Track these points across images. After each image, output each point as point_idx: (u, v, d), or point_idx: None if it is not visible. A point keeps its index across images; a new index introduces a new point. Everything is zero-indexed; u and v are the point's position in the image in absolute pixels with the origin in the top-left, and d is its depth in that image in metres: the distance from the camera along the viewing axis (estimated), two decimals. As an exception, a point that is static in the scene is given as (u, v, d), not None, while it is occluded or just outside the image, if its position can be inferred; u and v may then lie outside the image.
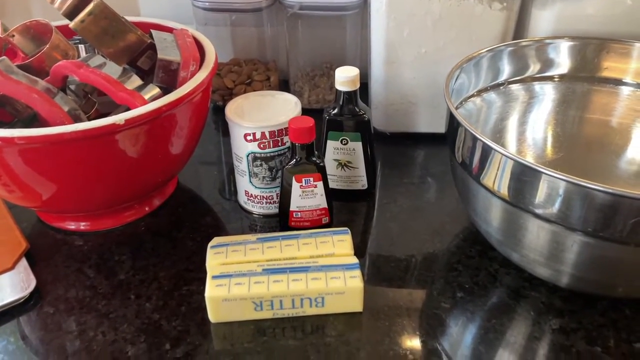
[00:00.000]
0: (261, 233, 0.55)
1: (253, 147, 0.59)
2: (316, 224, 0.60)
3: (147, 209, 0.66)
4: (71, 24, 0.55)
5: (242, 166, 0.61)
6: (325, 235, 0.55)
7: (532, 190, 0.45)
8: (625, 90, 0.63)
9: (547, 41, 0.64)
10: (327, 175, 0.58)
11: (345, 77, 0.60)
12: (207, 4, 0.79)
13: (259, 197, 0.63)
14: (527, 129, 0.65)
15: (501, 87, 0.64)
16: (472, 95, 0.62)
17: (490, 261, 0.57)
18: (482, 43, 0.68)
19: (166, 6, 0.87)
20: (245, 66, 0.86)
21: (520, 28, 0.70)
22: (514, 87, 0.64)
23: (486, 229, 0.53)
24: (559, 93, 0.64)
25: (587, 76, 0.64)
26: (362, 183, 0.66)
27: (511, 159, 0.45)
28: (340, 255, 0.53)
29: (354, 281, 0.50)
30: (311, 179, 0.57)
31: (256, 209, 0.64)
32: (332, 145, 0.64)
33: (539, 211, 0.45)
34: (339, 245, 0.54)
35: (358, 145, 0.63)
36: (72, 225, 0.63)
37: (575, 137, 0.64)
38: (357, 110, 0.62)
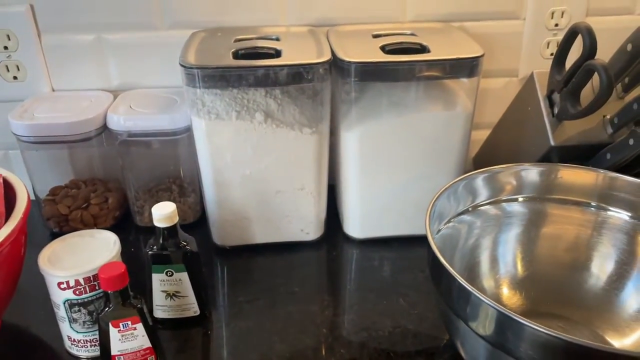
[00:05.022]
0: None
1: (69, 294, 0.58)
2: (142, 365, 0.59)
3: (-38, 365, 0.61)
4: None
5: (60, 312, 0.60)
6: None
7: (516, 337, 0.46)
8: (581, 209, 0.66)
9: (496, 170, 0.66)
10: (146, 315, 0.58)
11: (161, 214, 0.61)
12: (31, 137, 0.77)
13: (82, 341, 0.61)
14: (499, 248, 0.68)
15: (475, 209, 0.66)
16: (449, 221, 0.64)
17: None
18: (302, 163, 0.73)
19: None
20: (85, 187, 0.85)
21: (335, 147, 0.76)
22: (486, 207, 0.67)
23: None
24: (524, 213, 0.68)
25: (546, 197, 0.67)
26: (194, 310, 0.66)
27: (493, 307, 0.46)
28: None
29: None
30: (129, 322, 0.57)
31: (82, 352, 0.62)
32: (157, 278, 0.64)
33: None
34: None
35: (184, 275, 0.64)
36: None
37: (541, 254, 0.67)
38: (179, 242, 0.63)
